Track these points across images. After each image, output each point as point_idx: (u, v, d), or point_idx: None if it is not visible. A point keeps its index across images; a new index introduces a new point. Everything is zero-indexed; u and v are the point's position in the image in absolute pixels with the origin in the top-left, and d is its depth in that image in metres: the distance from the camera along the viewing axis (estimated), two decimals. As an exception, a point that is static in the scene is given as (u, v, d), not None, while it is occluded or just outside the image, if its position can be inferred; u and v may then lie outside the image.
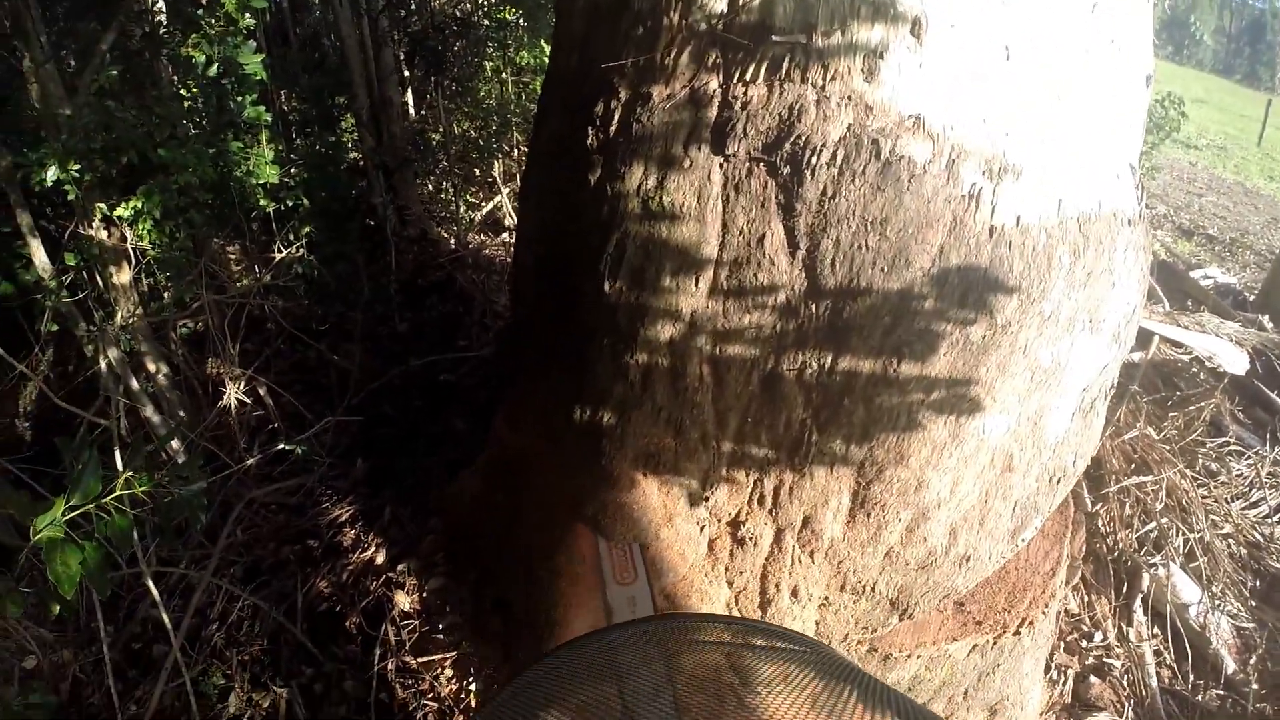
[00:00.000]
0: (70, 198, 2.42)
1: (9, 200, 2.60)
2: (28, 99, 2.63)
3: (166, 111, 2.39)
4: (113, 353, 2.71)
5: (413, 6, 4.23)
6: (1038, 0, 1.47)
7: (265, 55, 2.68)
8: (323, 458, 3.10)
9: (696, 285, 1.66)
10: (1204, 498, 2.65)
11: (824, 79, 1.48)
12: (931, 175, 1.46)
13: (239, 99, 2.64)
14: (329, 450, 3.14)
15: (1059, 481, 1.78)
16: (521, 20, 4.04)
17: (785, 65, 1.49)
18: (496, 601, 2.53)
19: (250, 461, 2.94)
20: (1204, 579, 2.42)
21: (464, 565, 2.67)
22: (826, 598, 1.86)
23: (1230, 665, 2.30)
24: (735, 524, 1.86)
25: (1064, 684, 2.18)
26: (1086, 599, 2.41)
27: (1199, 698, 2.22)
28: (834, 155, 1.48)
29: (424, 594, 2.65)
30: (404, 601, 2.64)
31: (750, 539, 1.84)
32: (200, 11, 2.50)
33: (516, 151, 4.60)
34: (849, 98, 1.47)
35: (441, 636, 2.54)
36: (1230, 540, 2.57)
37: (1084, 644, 2.30)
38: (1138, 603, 2.38)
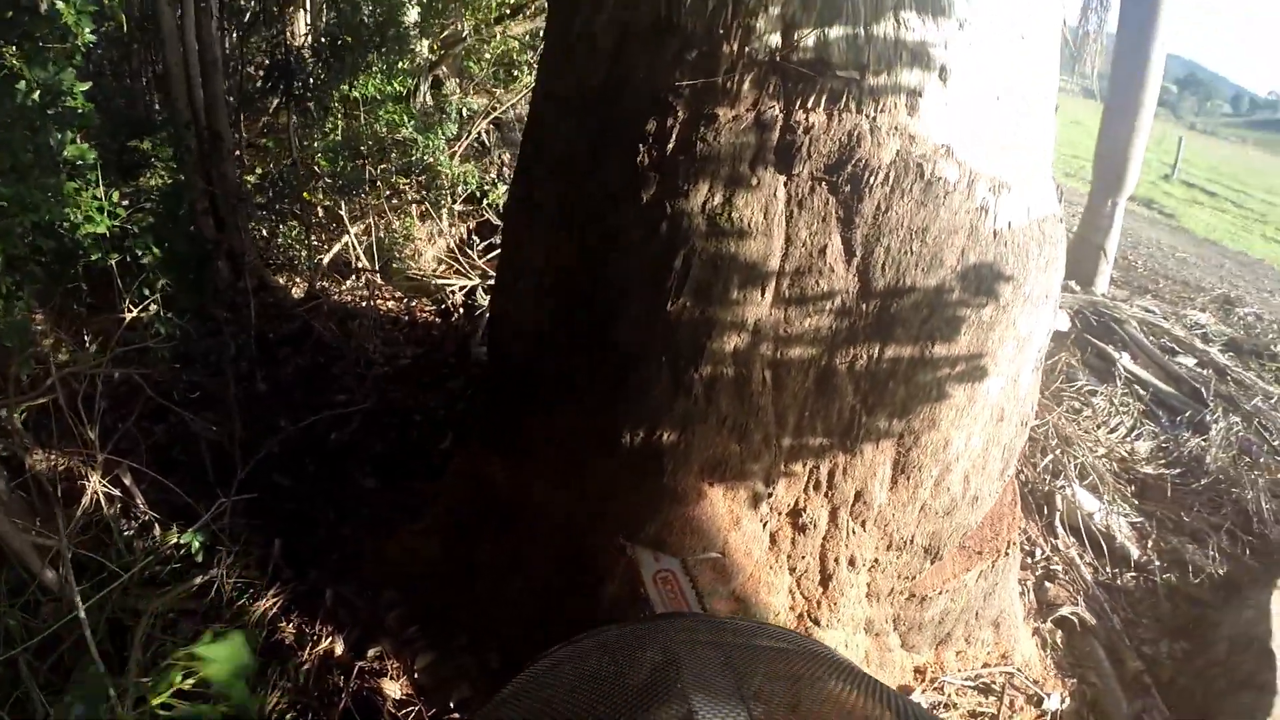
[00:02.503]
0: None
1: None
2: None
3: (8, 138, 1.92)
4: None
5: (275, 33, 3.76)
6: (1010, 61, 1.96)
7: (90, 84, 2.25)
8: (227, 545, 2.69)
9: (762, 296, 1.91)
10: (1079, 431, 3.62)
11: (875, 111, 1.81)
12: (958, 192, 1.89)
13: (59, 135, 2.20)
14: (230, 536, 2.73)
15: (1026, 424, 2.38)
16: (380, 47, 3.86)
17: (844, 97, 1.79)
18: (506, 661, 2.49)
19: (138, 567, 2.44)
20: (1098, 491, 3.33)
21: (448, 633, 2.57)
22: (876, 559, 2.25)
23: (1135, 552, 3.20)
24: (795, 513, 2.15)
25: (1028, 594, 2.89)
26: (1022, 526, 3.19)
27: (1119, 583, 3.07)
28: (887, 176, 1.83)
29: (415, 675, 2.50)
30: (394, 689, 2.48)
31: (810, 523, 2.15)
32: (28, 19, 2.03)
33: (367, 188, 4.36)
34: (896, 128, 1.83)
35: (456, 714, 2.44)
36: (1106, 459, 3.56)
37: (1030, 560, 3.05)
38: (1057, 520, 3.21)
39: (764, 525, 2.15)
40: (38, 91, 2.16)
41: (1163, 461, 3.66)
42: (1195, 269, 9.21)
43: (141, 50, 4.30)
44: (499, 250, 3.71)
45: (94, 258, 2.43)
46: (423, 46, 4.77)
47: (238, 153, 4.09)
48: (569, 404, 2.17)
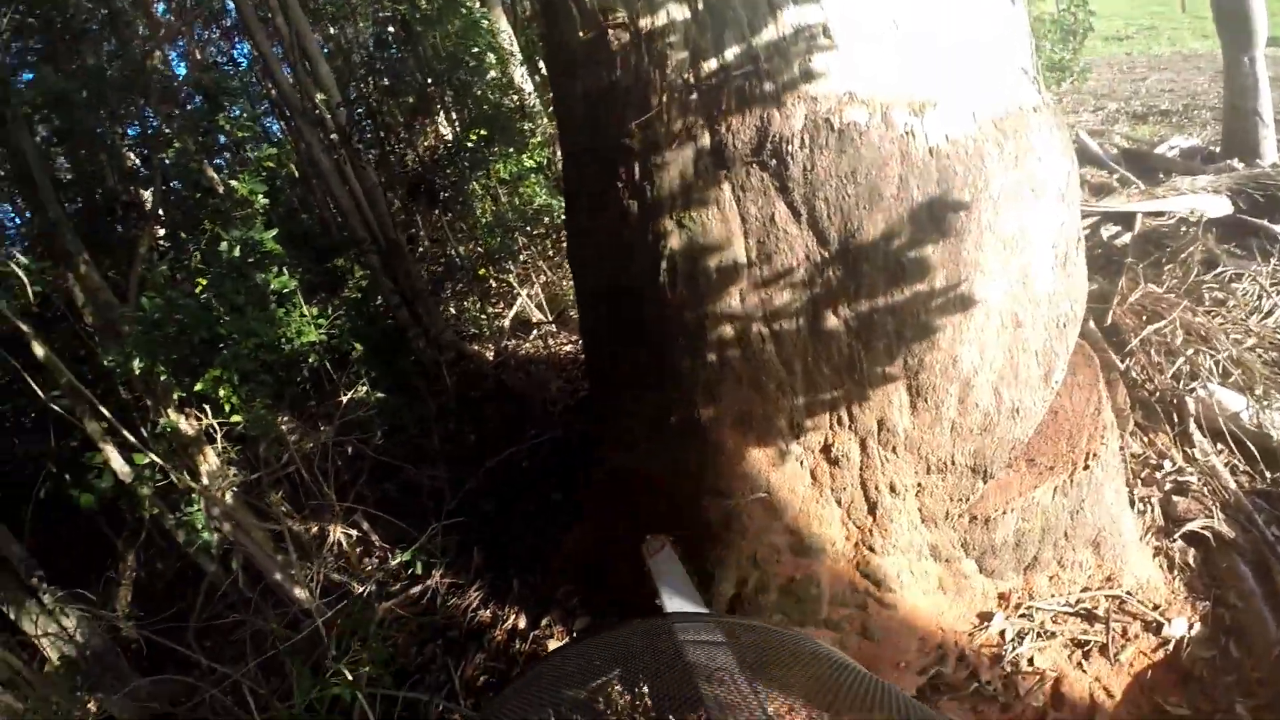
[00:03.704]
0: (163, 378, 3.03)
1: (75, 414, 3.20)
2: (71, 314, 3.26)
3: (222, 288, 3.10)
4: (213, 531, 3.28)
5: (404, 155, 5.19)
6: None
7: (277, 230, 3.34)
8: (439, 559, 3.67)
9: (737, 269, 2.35)
10: (1220, 323, 3.24)
11: (778, 89, 2.22)
12: (874, 128, 2.18)
13: (263, 276, 3.25)
14: (443, 553, 3.72)
15: (1065, 325, 2.41)
16: (495, 138, 5.00)
17: (747, 89, 2.23)
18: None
19: (371, 585, 3.50)
20: (1244, 389, 2.95)
21: (599, 600, 3.19)
22: (919, 484, 2.44)
23: (1300, 448, 2.80)
24: (827, 449, 2.47)
25: (1151, 511, 2.70)
26: (1146, 439, 2.96)
27: (1280, 488, 2.71)
28: (802, 140, 2.21)
29: (574, 634, 3.17)
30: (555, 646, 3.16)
31: (843, 456, 2.45)
32: (214, 200, 3.25)
33: (523, 255, 5.51)
34: (799, 97, 2.21)
35: (599, 663, 3.05)
36: (1258, 349, 3.14)
37: (1158, 475, 2.83)
38: (1192, 426, 2.92)
39: (801, 464, 2.49)
40: (238, 247, 3.18)
41: (1347, 332, 3.03)
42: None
43: (318, 186, 5.62)
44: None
45: (311, 360, 3.55)
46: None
47: (422, 249, 5.36)
48: (639, 393, 2.75)
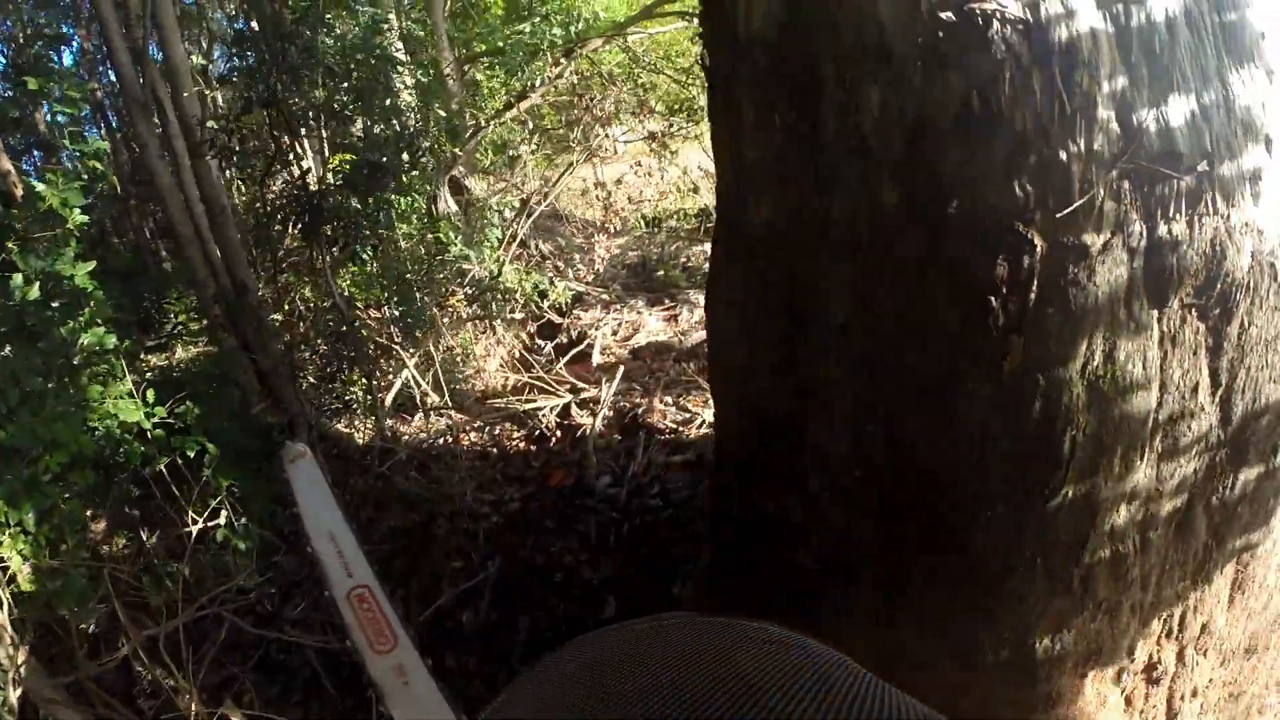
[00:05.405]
0: None
1: None
2: None
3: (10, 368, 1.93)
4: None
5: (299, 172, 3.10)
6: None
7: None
8: None
9: (1141, 459, 1.66)
10: None
11: (1228, 208, 1.58)
12: (1300, 284, 1.72)
13: (69, 325, 2.17)
14: None
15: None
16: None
17: (1201, 198, 1.54)
18: None
19: None
20: None
21: None
22: (1210, 679, 2.11)
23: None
24: (1150, 668, 1.96)
25: None
26: None
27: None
28: (1247, 286, 1.62)
29: None
30: None
31: (1163, 672, 1.97)
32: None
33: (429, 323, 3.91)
34: (1247, 224, 1.62)
35: None
36: None
37: None
38: None
39: (1123, 692, 1.93)
40: (35, 285, 2.08)
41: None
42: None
43: (139, 205, 4.21)
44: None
45: (135, 462, 2.31)
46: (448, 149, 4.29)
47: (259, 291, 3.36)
48: (899, 623, 1.81)
